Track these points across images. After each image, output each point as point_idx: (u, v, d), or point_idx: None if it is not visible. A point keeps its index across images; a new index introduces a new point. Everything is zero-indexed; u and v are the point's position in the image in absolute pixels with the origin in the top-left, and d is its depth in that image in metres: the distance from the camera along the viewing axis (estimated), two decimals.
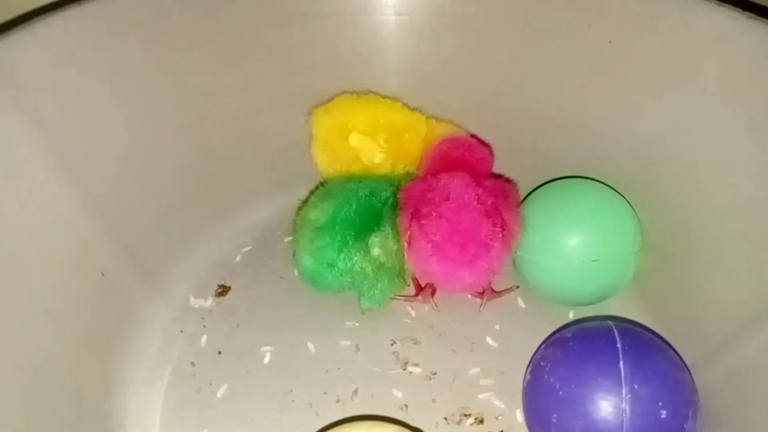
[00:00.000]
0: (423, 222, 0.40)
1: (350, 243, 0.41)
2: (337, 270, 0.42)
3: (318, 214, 0.42)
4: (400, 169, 0.47)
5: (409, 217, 0.41)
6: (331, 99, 0.48)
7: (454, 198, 0.40)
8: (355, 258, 0.41)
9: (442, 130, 0.47)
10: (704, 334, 0.38)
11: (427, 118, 0.48)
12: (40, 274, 0.36)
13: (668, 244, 0.42)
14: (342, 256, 0.41)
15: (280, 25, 0.47)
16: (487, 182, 0.42)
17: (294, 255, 0.44)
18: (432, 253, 0.40)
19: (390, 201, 0.43)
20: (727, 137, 0.38)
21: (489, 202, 0.40)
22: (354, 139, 0.46)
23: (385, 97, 0.48)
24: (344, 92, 0.48)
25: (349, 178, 0.45)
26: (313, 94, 0.48)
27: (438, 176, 0.42)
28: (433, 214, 0.40)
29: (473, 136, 0.48)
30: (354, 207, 0.42)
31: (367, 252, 0.42)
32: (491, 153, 0.47)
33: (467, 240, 0.40)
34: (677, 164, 0.41)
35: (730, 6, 0.38)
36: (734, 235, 0.37)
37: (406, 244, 0.41)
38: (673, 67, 0.41)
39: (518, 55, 0.47)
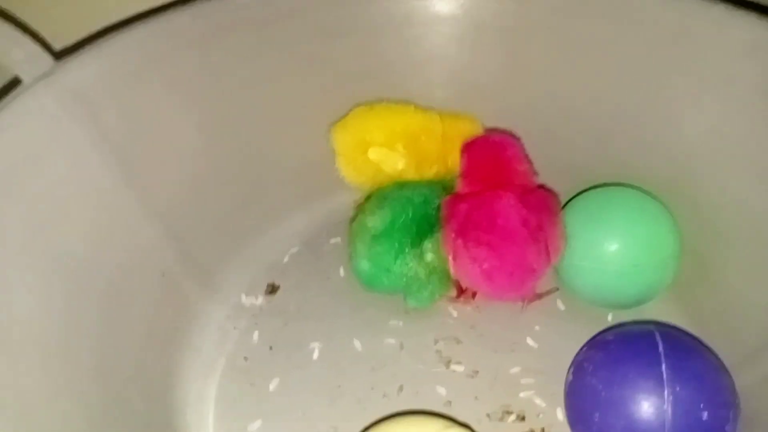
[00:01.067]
0: (470, 246, 0.41)
1: (406, 249, 0.43)
2: (392, 274, 0.44)
3: (376, 221, 0.44)
4: (426, 171, 0.48)
5: (453, 235, 0.42)
6: (347, 114, 0.49)
7: (501, 225, 0.41)
8: (410, 264, 0.43)
9: (458, 124, 0.48)
10: (741, 338, 0.39)
11: (440, 114, 0.48)
12: (108, 275, 0.38)
13: (706, 249, 0.43)
14: (398, 261, 0.43)
15: (327, 38, 0.49)
16: (531, 197, 0.43)
17: (351, 259, 0.46)
18: (480, 279, 0.42)
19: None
20: (763, 144, 0.39)
21: (534, 223, 0.41)
22: (373, 153, 0.47)
23: (396, 102, 0.49)
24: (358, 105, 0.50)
25: (403, 185, 0.46)
26: (358, 103, 0.50)
27: (482, 195, 0.43)
28: (481, 240, 0.41)
29: (494, 129, 0.49)
30: (410, 215, 0.44)
31: (421, 257, 0.43)
32: (521, 146, 0.48)
33: (515, 268, 0.41)
34: (714, 171, 0.42)
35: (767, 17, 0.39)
36: None
37: (450, 258, 0.43)
38: (710, 76, 0.42)
39: (557, 65, 0.48)
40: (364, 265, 0.44)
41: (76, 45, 0.44)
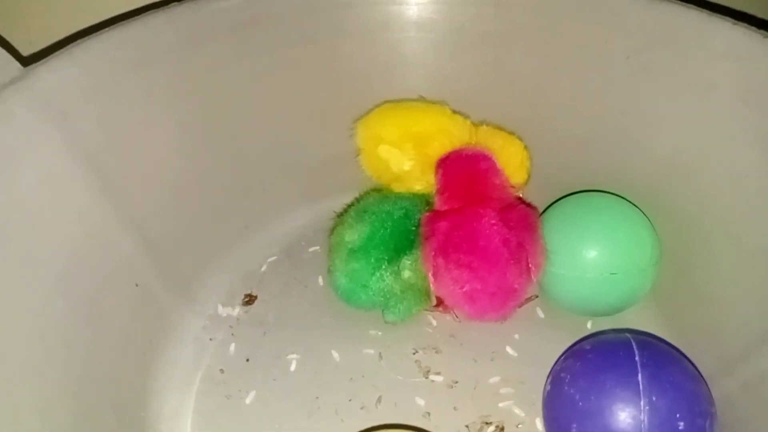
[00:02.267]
0: (451, 267, 0.41)
1: (383, 266, 0.42)
2: (369, 290, 0.43)
3: (353, 235, 0.43)
4: (430, 176, 0.47)
5: (433, 255, 0.42)
6: (372, 109, 0.49)
7: (483, 246, 0.41)
8: (387, 280, 0.43)
9: (496, 139, 0.46)
10: (721, 346, 0.38)
11: (480, 125, 0.48)
12: (81, 286, 0.38)
13: (685, 257, 0.43)
14: (374, 278, 0.42)
15: (305, 44, 0.48)
16: (510, 215, 0.42)
17: (329, 273, 0.45)
18: (462, 300, 0.42)
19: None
20: (743, 152, 0.39)
21: (514, 243, 0.41)
22: (382, 151, 0.47)
23: (432, 102, 0.48)
24: (386, 101, 0.49)
25: (384, 198, 0.46)
26: (337, 110, 0.49)
27: (462, 213, 0.42)
28: (462, 262, 0.41)
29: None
30: (389, 230, 0.43)
31: (398, 274, 0.43)
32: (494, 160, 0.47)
33: (496, 290, 0.41)
34: (694, 177, 0.42)
35: (746, 25, 0.39)
36: (751, 248, 0.38)
37: (431, 276, 0.42)
38: (690, 83, 0.42)
39: (536, 70, 0.48)
40: (341, 280, 0.44)
41: (45, 50, 0.44)
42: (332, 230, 0.47)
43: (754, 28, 0.38)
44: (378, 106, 0.49)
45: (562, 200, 0.45)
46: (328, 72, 0.50)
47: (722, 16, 0.40)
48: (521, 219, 0.42)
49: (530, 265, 0.42)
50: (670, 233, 0.43)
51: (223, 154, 0.48)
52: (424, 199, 0.46)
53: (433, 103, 0.48)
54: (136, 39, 0.42)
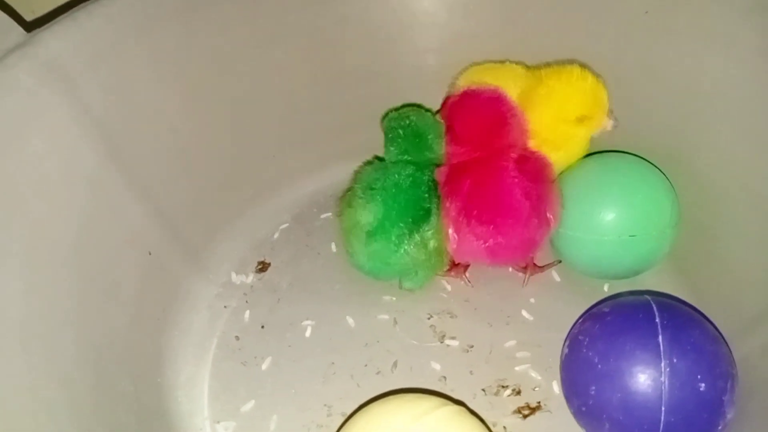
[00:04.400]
0: (474, 224, 0.40)
1: (405, 242, 0.41)
2: (394, 267, 0.42)
3: (368, 217, 0.42)
4: None
5: (455, 213, 0.41)
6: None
7: (506, 203, 0.40)
8: (411, 253, 0.41)
9: (552, 76, 0.43)
10: (741, 308, 0.38)
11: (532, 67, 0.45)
12: (93, 255, 0.37)
13: (704, 218, 0.42)
14: (398, 255, 0.41)
15: (313, 6, 0.47)
16: (529, 166, 0.41)
17: (349, 255, 0.44)
18: (484, 255, 0.41)
19: (432, 186, 0.43)
20: (764, 109, 0.38)
21: (535, 195, 0.40)
22: None
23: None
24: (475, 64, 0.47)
25: (385, 170, 0.43)
26: (347, 73, 0.48)
27: (482, 166, 0.41)
28: (485, 219, 0.40)
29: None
30: (402, 203, 0.42)
31: (423, 245, 0.42)
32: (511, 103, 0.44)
33: (519, 244, 0.41)
34: (714, 136, 0.41)
35: None
36: None
37: (452, 234, 0.42)
38: (710, 38, 0.40)
39: (551, 28, 0.47)
40: (363, 261, 0.43)
41: (47, 16, 0.43)
42: (341, 213, 0.45)
43: None
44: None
45: (579, 161, 0.44)
46: (337, 34, 0.49)
47: None
48: (539, 170, 0.42)
49: (549, 215, 0.41)
50: (689, 194, 0.42)
51: (232, 120, 0.47)
52: (427, 162, 0.44)
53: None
54: (140, 3, 0.41)
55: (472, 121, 0.43)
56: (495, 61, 0.47)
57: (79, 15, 0.38)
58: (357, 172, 0.46)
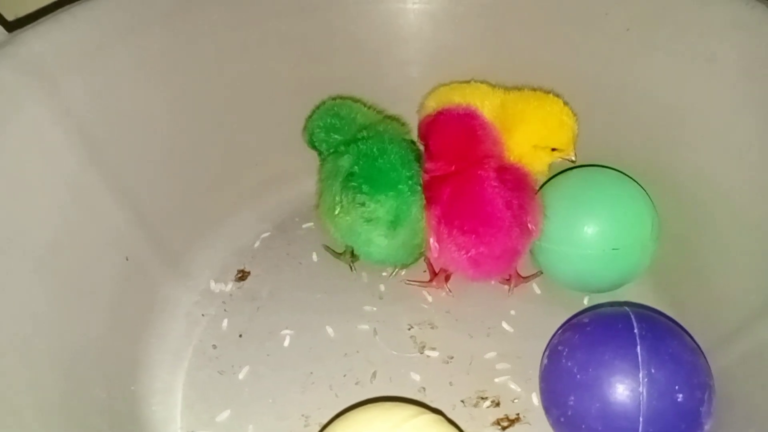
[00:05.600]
0: (455, 234, 0.41)
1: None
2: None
3: (386, 235, 0.42)
4: None
5: (436, 222, 0.41)
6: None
7: (487, 211, 0.40)
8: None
9: (518, 100, 0.45)
10: (719, 319, 0.38)
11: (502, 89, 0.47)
12: (69, 257, 0.37)
13: (683, 231, 0.42)
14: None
15: (300, 14, 0.47)
16: (508, 175, 0.42)
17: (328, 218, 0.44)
18: (467, 265, 0.42)
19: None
20: (743, 125, 0.38)
21: (516, 204, 0.41)
22: None
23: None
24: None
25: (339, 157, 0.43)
26: (333, 82, 0.48)
27: (462, 176, 0.42)
28: (466, 228, 0.40)
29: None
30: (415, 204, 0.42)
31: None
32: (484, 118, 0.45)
33: (501, 253, 0.41)
34: (693, 152, 0.41)
35: None
36: (748, 221, 0.37)
37: (433, 242, 0.42)
38: (690, 54, 0.41)
39: (535, 43, 0.48)
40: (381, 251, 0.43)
41: (30, 17, 0.42)
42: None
43: None
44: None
45: (561, 175, 0.45)
46: (323, 43, 0.49)
47: None
48: (519, 178, 0.42)
49: (530, 225, 0.41)
50: (669, 207, 0.43)
51: (216, 126, 0.47)
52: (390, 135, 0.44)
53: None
54: (126, 5, 0.41)
55: (444, 136, 0.44)
56: (460, 81, 0.48)
57: (63, 17, 0.38)
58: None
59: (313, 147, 0.47)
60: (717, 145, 0.40)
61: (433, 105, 0.47)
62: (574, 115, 0.44)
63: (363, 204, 0.41)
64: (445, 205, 0.41)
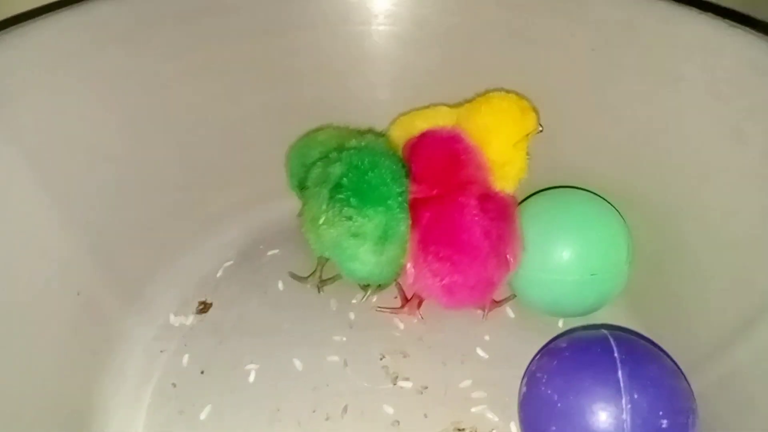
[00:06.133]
0: (431, 260, 0.40)
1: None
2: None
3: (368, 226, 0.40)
4: None
5: (414, 245, 0.40)
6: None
7: (464, 240, 0.39)
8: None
9: (472, 108, 0.45)
10: (695, 341, 0.38)
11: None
12: (13, 293, 0.34)
13: (655, 251, 0.42)
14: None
15: (264, 36, 0.46)
16: (490, 204, 0.41)
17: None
18: (440, 293, 0.40)
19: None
20: (713, 144, 0.38)
21: (495, 234, 0.40)
22: None
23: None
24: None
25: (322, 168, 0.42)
26: (296, 105, 0.47)
27: (441, 202, 0.41)
28: (442, 255, 0.39)
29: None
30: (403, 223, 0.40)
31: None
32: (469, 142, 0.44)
33: (476, 283, 0.40)
34: (662, 172, 0.41)
35: (712, 14, 0.38)
36: (721, 240, 0.37)
37: (410, 267, 0.41)
38: (657, 75, 0.41)
39: (502, 64, 0.47)
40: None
41: None
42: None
43: (719, 17, 0.38)
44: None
45: (533, 199, 0.44)
46: (287, 66, 0.48)
47: (687, 6, 0.40)
48: (501, 208, 0.41)
49: (509, 256, 0.40)
50: (640, 228, 0.42)
51: (175, 151, 0.45)
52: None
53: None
54: (79, 26, 0.39)
55: (426, 158, 0.43)
56: (419, 108, 0.47)
57: (8, 37, 0.36)
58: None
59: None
60: (686, 164, 0.40)
61: (397, 134, 0.46)
62: (508, 93, 0.44)
63: (350, 218, 0.39)
64: (423, 230, 0.40)
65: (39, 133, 0.37)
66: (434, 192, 0.41)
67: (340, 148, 0.42)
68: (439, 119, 0.45)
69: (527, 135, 0.44)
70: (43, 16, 0.38)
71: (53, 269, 0.37)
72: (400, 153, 0.44)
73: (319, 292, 0.45)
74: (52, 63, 0.38)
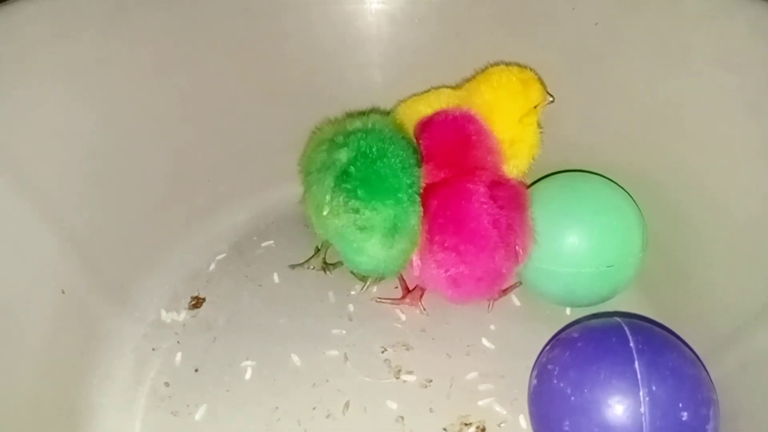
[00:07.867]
0: (436, 249, 0.38)
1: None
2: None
3: (375, 217, 0.37)
4: None
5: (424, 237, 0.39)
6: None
7: (471, 228, 0.37)
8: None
9: (474, 86, 0.43)
10: (711, 328, 0.36)
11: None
12: None
13: (668, 235, 0.40)
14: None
15: (249, 18, 0.44)
16: (501, 191, 0.39)
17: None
18: (446, 285, 0.39)
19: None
20: (723, 119, 0.37)
21: (504, 224, 0.38)
22: None
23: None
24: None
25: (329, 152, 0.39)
26: (288, 89, 0.45)
27: (450, 187, 0.39)
28: (447, 244, 0.38)
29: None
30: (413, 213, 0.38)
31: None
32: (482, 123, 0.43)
33: (483, 275, 0.38)
34: (672, 150, 0.40)
35: None
36: (736, 221, 0.36)
37: (415, 258, 0.39)
38: (665, 49, 0.39)
39: (499, 41, 0.45)
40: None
41: None
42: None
43: None
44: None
45: (542, 185, 0.42)
46: (276, 48, 0.46)
47: None
48: (511, 198, 0.39)
49: (518, 248, 0.38)
50: (651, 210, 0.41)
51: (161, 141, 0.44)
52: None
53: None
54: (52, 11, 0.37)
55: (435, 138, 0.41)
56: (420, 93, 0.45)
57: None
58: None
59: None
60: (697, 141, 0.38)
61: (400, 121, 0.44)
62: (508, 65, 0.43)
63: (357, 210, 0.37)
64: (430, 218, 0.38)
65: (12, 128, 0.35)
66: (442, 174, 0.40)
67: (345, 132, 0.39)
68: (443, 102, 0.43)
69: (535, 108, 0.42)
70: (9, 2, 0.36)
71: (35, 267, 0.36)
72: (407, 135, 0.42)
73: (326, 273, 0.44)
74: (23, 51, 0.36)
